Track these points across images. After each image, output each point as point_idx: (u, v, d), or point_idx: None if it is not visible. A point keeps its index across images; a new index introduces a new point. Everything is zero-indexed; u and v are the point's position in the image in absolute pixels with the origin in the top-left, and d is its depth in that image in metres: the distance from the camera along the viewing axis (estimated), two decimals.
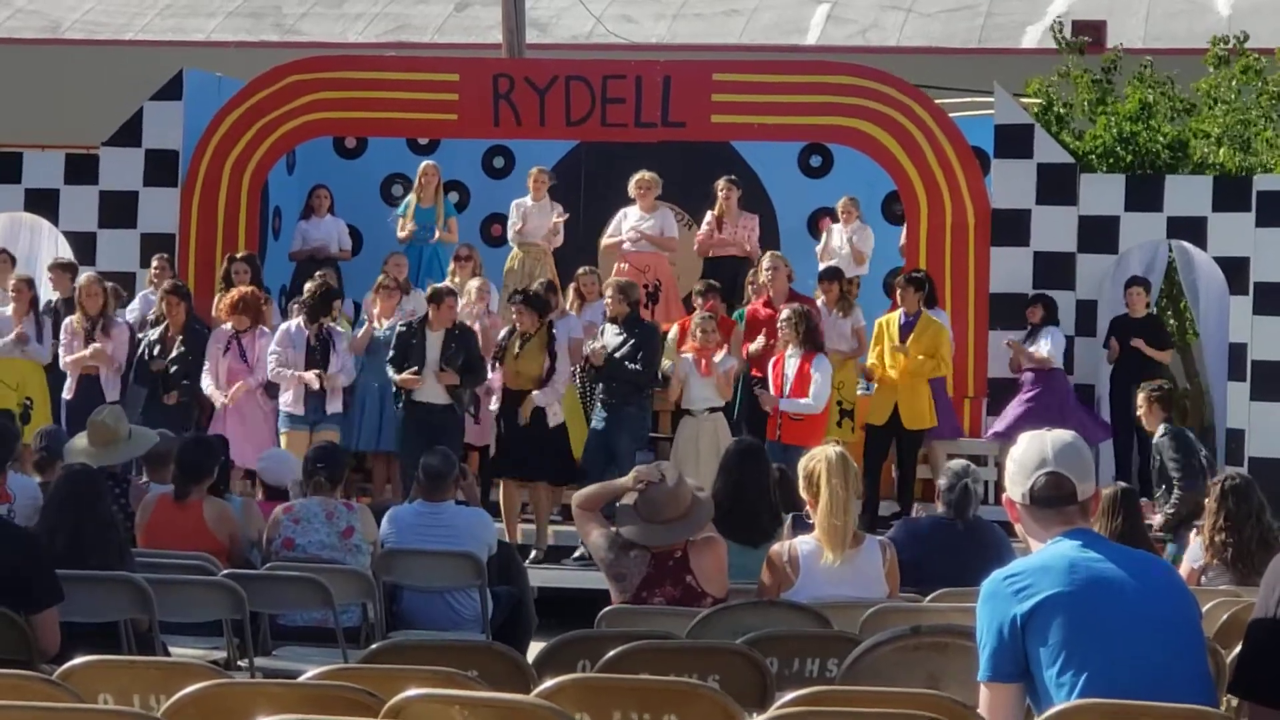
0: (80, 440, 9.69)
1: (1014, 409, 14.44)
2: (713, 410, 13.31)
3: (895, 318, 14.07)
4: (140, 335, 14.15)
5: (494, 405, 13.48)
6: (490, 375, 13.45)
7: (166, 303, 13.84)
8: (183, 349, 13.66)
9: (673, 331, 14.03)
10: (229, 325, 13.74)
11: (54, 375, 14.33)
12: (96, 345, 13.91)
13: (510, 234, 16.06)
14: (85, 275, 14.35)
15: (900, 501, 13.90)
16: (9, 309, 14.36)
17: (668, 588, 7.31)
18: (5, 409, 12.88)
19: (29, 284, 14.56)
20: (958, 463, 8.63)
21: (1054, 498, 4.59)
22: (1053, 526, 4.58)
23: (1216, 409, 15.10)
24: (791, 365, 13.21)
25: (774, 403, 13.17)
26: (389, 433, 13.76)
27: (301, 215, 16.80)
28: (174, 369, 13.64)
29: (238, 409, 13.53)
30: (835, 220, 16.04)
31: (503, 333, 13.55)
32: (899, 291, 14.23)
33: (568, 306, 14.48)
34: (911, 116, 15.50)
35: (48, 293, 15.11)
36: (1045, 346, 14.49)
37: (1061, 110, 19.51)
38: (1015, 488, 4.64)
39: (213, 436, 10.07)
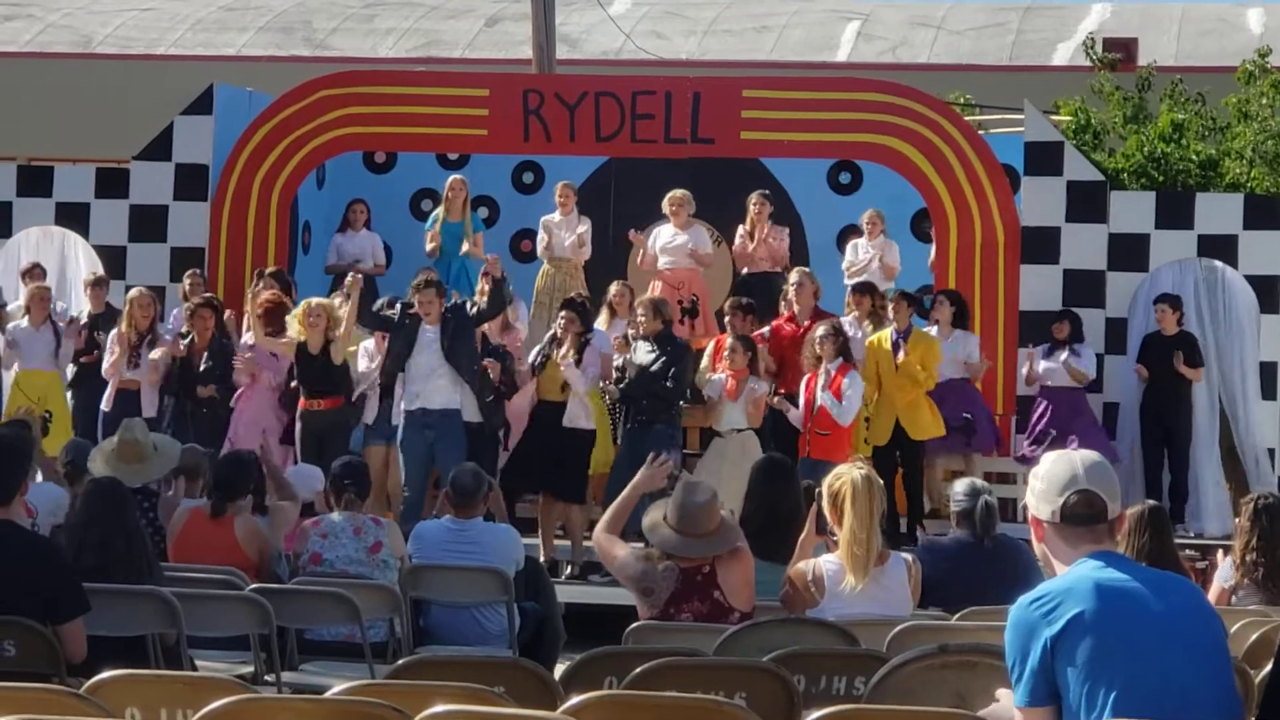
0: (107, 454, 9.63)
1: (1040, 427, 14.44)
2: (741, 430, 13.21)
3: (887, 335, 13.92)
4: None
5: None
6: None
7: (198, 316, 13.90)
8: (210, 363, 13.73)
9: (709, 348, 13.88)
10: (250, 335, 13.81)
11: (88, 387, 14.36)
12: (155, 355, 13.90)
13: (539, 250, 16.05)
14: (136, 289, 14.38)
15: (909, 517, 13.72)
16: (24, 321, 14.44)
17: (695, 603, 7.28)
18: (19, 420, 12.85)
19: (48, 293, 14.69)
20: (967, 481, 8.50)
21: (1086, 516, 4.55)
22: (1082, 545, 4.54)
23: (1243, 429, 14.95)
24: (825, 378, 13.09)
25: (799, 418, 13.09)
26: None
27: (338, 229, 16.82)
28: (205, 367, 13.72)
29: (250, 408, 13.55)
30: (860, 234, 15.94)
31: (539, 347, 13.53)
32: (892, 306, 14.06)
33: (599, 322, 14.46)
34: (941, 133, 15.46)
35: (77, 305, 15.25)
36: (1088, 363, 14.51)
37: (1097, 128, 19.49)
38: (1044, 506, 4.59)
39: (247, 453, 10.03)
